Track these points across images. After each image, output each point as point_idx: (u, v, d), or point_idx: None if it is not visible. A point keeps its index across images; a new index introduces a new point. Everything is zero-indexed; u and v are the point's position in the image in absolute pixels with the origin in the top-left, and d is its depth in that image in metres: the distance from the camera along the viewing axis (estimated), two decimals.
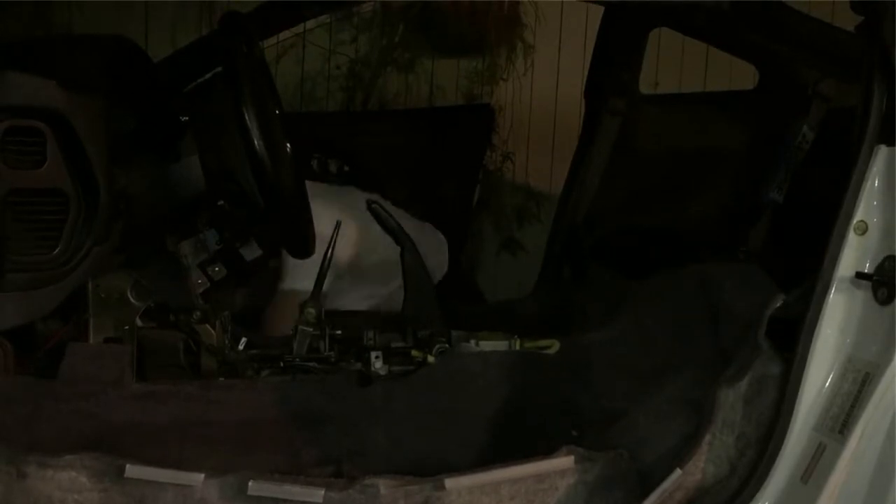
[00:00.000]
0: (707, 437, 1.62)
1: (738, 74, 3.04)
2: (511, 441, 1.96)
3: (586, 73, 3.05)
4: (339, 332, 2.28)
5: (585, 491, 1.64)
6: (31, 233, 1.78)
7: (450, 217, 3.20)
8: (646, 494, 1.63)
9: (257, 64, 2.38)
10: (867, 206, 1.58)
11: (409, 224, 2.62)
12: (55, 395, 1.91)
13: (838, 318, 1.59)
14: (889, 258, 1.56)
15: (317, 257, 2.39)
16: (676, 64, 4.07)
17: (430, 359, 2.16)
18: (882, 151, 1.58)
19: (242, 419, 1.99)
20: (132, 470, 1.55)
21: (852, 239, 1.59)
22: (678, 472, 1.60)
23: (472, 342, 2.23)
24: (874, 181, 1.58)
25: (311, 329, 2.24)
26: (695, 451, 1.61)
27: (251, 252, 2.41)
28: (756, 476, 1.60)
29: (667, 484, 1.60)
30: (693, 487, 1.62)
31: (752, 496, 1.59)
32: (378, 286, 2.78)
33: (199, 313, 2.22)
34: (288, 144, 2.46)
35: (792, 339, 1.61)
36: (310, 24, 3.83)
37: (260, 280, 2.57)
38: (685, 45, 3.23)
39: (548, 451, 1.66)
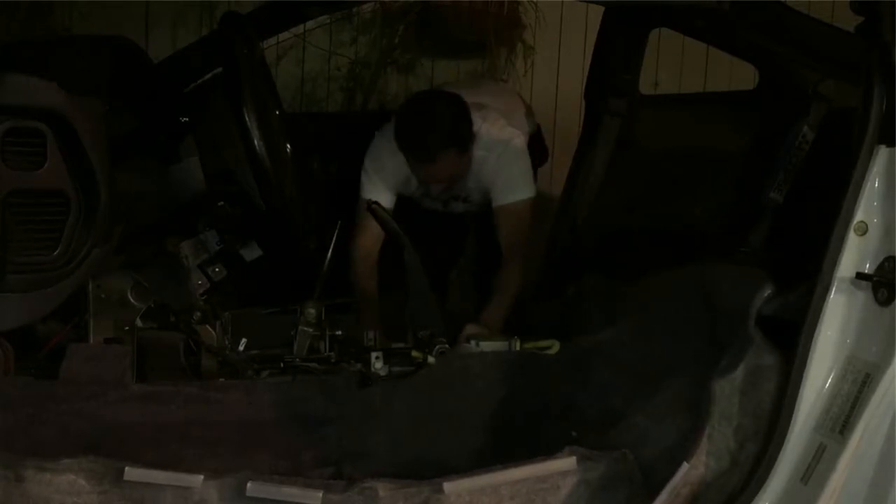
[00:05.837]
0: (706, 430, 1.62)
1: (738, 74, 3.04)
2: (511, 441, 1.96)
3: (586, 73, 3.05)
4: (339, 332, 2.28)
5: (588, 490, 1.64)
6: (31, 234, 1.78)
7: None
8: (648, 493, 1.63)
9: (257, 64, 2.39)
10: (867, 207, 1.58)
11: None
12: (56, 396, 1.90)
13: (838, 318, 1.59)
14: (889, 259, 1.56)
15: None
16: (676, 64, 4.07)
17: (430, 359, 2.16)
18: (882, 152, 1.58)
19: (242, 420, 1.99)
20: (131, 472, 1.54)
21: (852, 239, 1.59)
22: (686, 465, 1.60)
23: (473, 343, 2.23)
24: (874, 182, 1.58)
25: (311, 329, 2.24)
26: (697, 444, 1.61)
27: (251, 252, 2.42)
28: (757, 476, 1.60)
29: (676, 479, 1.60)
30: (697, 482, 1.63)
31: (753, 496, 1.59)
32: None
33: (199, 314, 2.22)
34: (288, 145, 2.47)
35: (792, 339, 1.61)
36: (310, 24, 3.83)
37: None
38: (685, 45, 3.24)
39: (547, 452, 1.66)
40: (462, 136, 2.69)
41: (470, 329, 2.45)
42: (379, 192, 2.80)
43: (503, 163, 2.80)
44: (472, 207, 2.98)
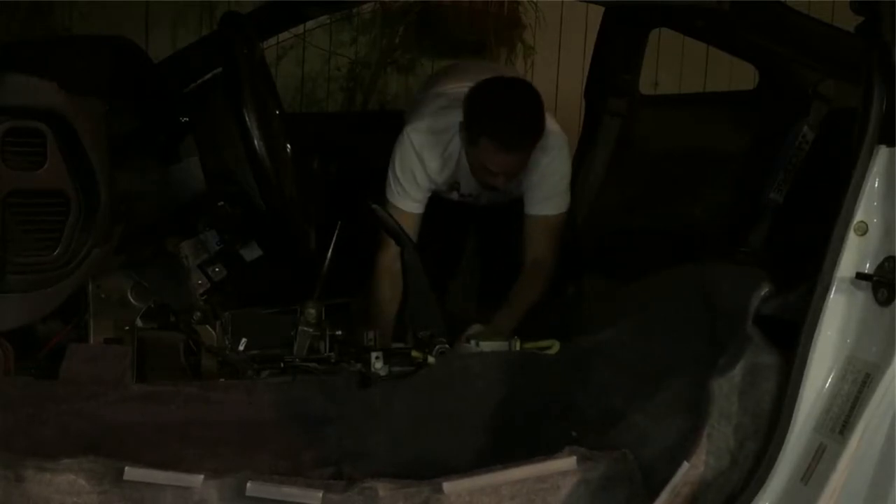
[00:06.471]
0: (706, 429, 1.62)
1: (738, 74, 3.05)
2: (511, 441, 1.96)
3: (586, 73, 3.06)
4: (339, 332, 2.28)
5: (588, 490, 1.64)
6: (31, 234, 1.78)
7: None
8: (648, 493, 1.63)
9: (257, 65, 2.39)
10: (867, 207, 1.58)
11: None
12: (56, 397, 1.90)
13: (838, 318, 1.59)
14: (889, 259, 1.56)
15: None
16: (676, 64, 4.08)
17: (431, 360, 2.16)
18: (882, 152, 1.58)
19: (243, 420, 1.99)
20: (131, 472, 1.54)
21: (852, 239, 1.59)
22: (686, 465, 1.60)
23: (473, 343, 2.23)
24: (874, 182, 1.58)
25: (311, 329, 2.24)
26: (697, 444, 1.62)
27: (251, 252, 2.42)
28: (757, 476, 1.60)
29: (676, 479, 1.60)
30: (697, 481, 1.63)
31: (753, 496, 1.59)
32: None
33: (199, 314, 2.22)
34: (288, 145, 2.47)
35: (792, 339, 1.61)
36: (310, 25, 3.83)
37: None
38: (685, 45, 3.24)
39: (547, 452, 1.66)
40: (542, 130, 2.59)
41: (475, 329, 2.45)
42: (408, 196, 2.76)
43: (553, 169, 2.70)
44: (504, 199, 2.88)
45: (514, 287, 2.74)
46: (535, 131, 2.57)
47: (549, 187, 2.72)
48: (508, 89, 2.66)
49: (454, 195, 2.90)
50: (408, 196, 2.77)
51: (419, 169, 2.74)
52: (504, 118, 2.55)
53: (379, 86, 4.24)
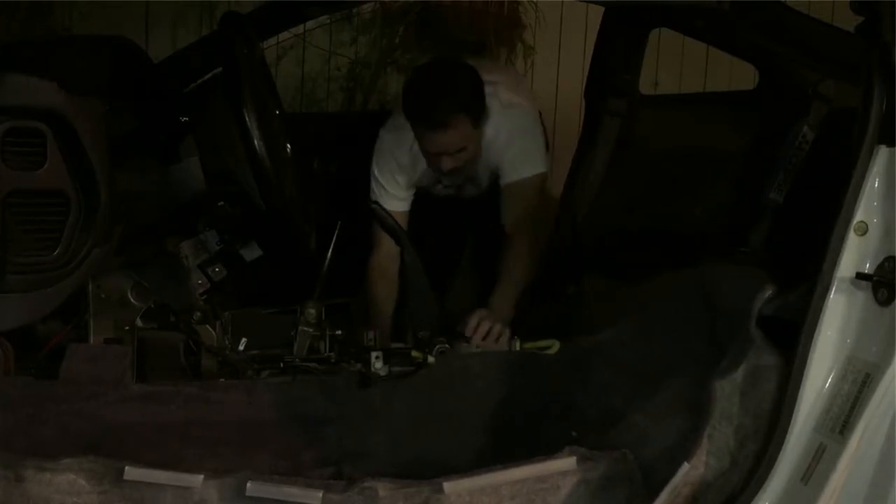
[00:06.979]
0: (707, 430, 1.62)
1: (738, 74, 3.04)
2: (511, 441, 1.96)
3: (586, 73, 3.05)
4: (339, 332, 2.28)
5: (588, 490, 1.64)
6: (31, 234, 1.78)
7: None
8: (648, 493, 1.63)
9: (257, 64, 2.39)
10: (867, 207, 1.58)
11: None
12: (56, 397, 1.90)
13: (838, 318, 1.59)
14: (889, 259, 1.56)
15: None
16: (676, 64, 4.07)
17: (430, 359, 2.16)
18: (882, 152, 1.58)
19: (243, 420, 1.99)
20: (131, 472, 1.54)
21: (852, 239, 1.59)
22: (686, 465, 1.60)
23: (473, 342, 2.23)
24: (874, 182, 1.58)
25: (311, 330, 2.25)
26: (698, 444, 1.62)
27: (251, 252, 2.42)
28: (757, 476, 1.60)
29: (676, 479, 1.60)
30: (697, 482, 1.63)
31: (753, 496, 1.60)
32: None
33: (199, 314, 2.22)
34: (288, 145, 2.47)
35: (792, 339, 1.61)
36: (310, 24, 3.83)
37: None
38: (685, 45, 3.24)
39: (547, 452, 1.66)
40: (475, 105, 2.58)
41: (479, 314, 2.43)
42: (391, 196, 2.79)
43: (514, 136, 2.72)
44: (484, 190, 2.92)
45: (499, 263, 2.69)
46: (453, 104, 2.55)
47: (515, 153, 2.72)
48: (426, 71, 2.71)
49: (439, 188, 2.92)
50: (392, 196, 2.80)
51: (395, 167, 2.79)
52: (421, 97, 2.58)
53: (379, 86, 4.23)
